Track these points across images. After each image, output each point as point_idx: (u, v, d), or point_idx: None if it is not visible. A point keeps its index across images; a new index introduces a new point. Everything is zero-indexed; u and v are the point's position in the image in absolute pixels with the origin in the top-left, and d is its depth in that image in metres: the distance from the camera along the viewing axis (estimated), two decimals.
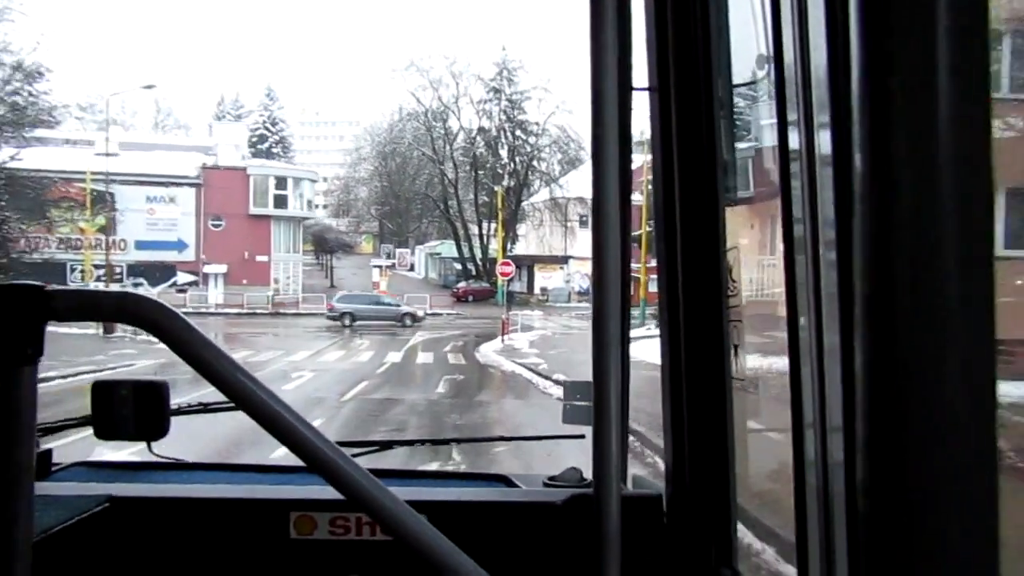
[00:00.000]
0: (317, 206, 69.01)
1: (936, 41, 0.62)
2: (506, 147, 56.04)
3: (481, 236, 56.90)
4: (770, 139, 1.07)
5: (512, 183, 54.89)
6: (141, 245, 45.66)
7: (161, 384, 1.60)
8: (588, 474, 1.58)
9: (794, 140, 0.89)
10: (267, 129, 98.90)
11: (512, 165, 55.72)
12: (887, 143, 0.63)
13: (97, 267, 43.75)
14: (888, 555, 0.65)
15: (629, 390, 1.66)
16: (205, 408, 2.01)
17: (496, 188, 52.72)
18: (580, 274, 48.31)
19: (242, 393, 0.82)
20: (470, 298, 52.07)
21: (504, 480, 1.92)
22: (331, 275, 57.39)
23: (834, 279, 0.74)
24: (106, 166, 39.87)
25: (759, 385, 1.55)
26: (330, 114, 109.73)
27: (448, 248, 59.99)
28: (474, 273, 56.46)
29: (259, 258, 47.74)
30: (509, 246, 50.48)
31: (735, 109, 1.46)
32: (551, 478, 1.81)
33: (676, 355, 1.50)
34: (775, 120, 0.98)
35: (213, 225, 47.26)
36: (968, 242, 0.62)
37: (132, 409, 1.57)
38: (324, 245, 60.44)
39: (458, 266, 58.04)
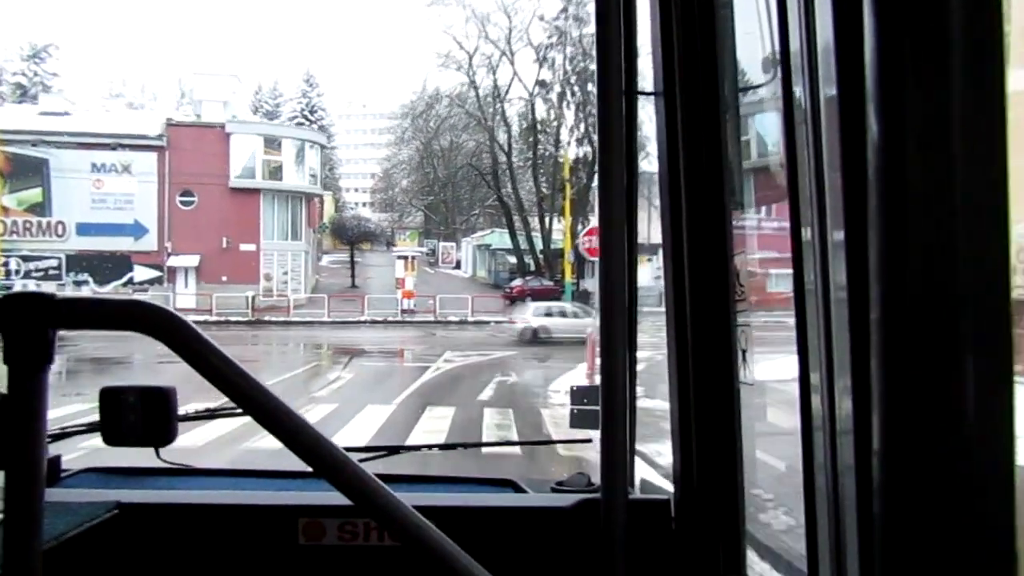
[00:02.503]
0: (364, 204, 58.97)
1: (949, 40, 0.62)
2: (573, 106, 42.85)
3: (542, 219, 43.67)
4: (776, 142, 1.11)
5: (581, 152, 41.56)
6: (85, 229, 34.08)
7: (169, 390, 1.54)
8: (596, 479, 1.59)
9: (801, 142, 0.89)
10: (305, 117, 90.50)
11: (582, 128, 42.29)
12: (899, 144, 0.64)
13: (27, 259, 32.12)
14: (902, 558, 0.66)
15: (636, 395, 1.63)
16: (213, 414, 2.03)
17: (560, 156, 39.79)
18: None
19: (251, 400, 0.83)
20: (528, 300, 39.00)
21: (512, 485, 1.88)
22: (353, 272, 45.12)
23: (843, 281, 0.74)
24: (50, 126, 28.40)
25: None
26: (379, 106, 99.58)
27: (499, 238, 47.18)
28: (532, 268, 43.33)
29: (244, 247, 35.57)
30: (580, 231, 36.87)
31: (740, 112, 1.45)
32: (559, 483, 1.79)
33: (684, 360, 1.49)
34: (782, 122, 0.98)
35: (182, 203, 35.38)
36: (983, 243, 0.63)
37: (140, 415, 1.51)
38: (343, 235, 48.13)
39: (512, 259, 45.02)
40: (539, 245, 43.59)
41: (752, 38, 1.28)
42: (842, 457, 0.78)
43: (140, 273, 34.77)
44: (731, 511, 1.44)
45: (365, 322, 32.11)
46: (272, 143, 36.52)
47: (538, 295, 39.42)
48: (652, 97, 1.48)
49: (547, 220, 43.63)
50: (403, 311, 34.32)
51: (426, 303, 34.01)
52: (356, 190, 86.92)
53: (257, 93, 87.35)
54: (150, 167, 34.55)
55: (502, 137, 43.79)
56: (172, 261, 34.88)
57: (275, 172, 36.54)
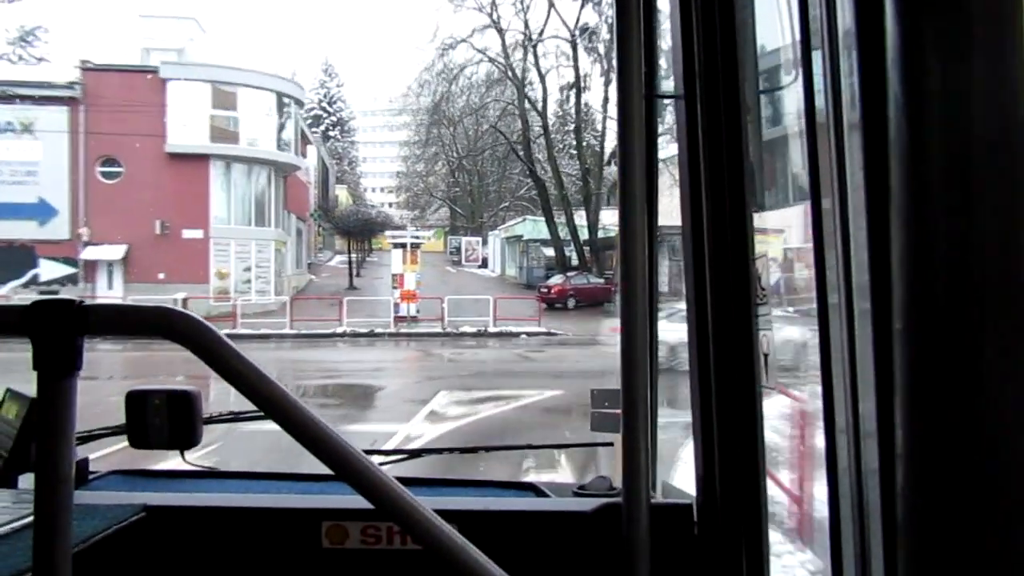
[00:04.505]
0: (390, 205, 57.04)
1: (972, 42, 0.62)
2: None
3: (587, 200, 33.82)
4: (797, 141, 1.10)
5: None
6: None
7: (194, 393, 1.62)
8: (617, 482, 1.62)
9: (823, 142, 0.89)
10: (323, 109, 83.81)
11: None
12: (921, 144, 0.64)
13: None
14: (927, 562, 0.65)
15: (657, 398, 1.69)
16: (236, 417, 2.03)
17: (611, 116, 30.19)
18: (766, 259, 24.30)
19: (276, 405, 0.84)
20: (570, 302, 29.20)
21: (533, 489, 1.90)
22: (351, 271, 35.90)
23: (866, 281, 0.74)
24: None
25: None
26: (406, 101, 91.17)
27: (533, 227, 37.51)
28: (576, 263, 33.64)
29: (187, 233, 26.42)
30: None
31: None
32: (581, 487, 1.81)
33: (705, 364, 1.49)
34: (803, 122, 0.98)
35: (104, 174, 26.38)
36: (1010, 240, 0.61)
37: (165, 418, 1.59)
38: (338, 225, 38.83)
39: (549, 252, 35.32)
40: (583, 235, 33.89)
41: (773, 39, 1.34)
42: (866, 460, 0.79)
43: (48, 269, 25.84)
44: (754, 515, 1.45)
45: (345, 335, 22.63)
46: (225, 94, 27.25)
47: (584, 296, 29.69)
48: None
49: (594, 201, 33.82)
50: (398, 318, 24.85)
51: (440, 308, 24.46)
52: (381, 190, 79.56)
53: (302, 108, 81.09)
54: (60, 126, 25.59)
55: (536, 96, 34.13)
56: (89, 253, 25.91)
57: (230, 132, 27.26)
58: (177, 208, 26.21)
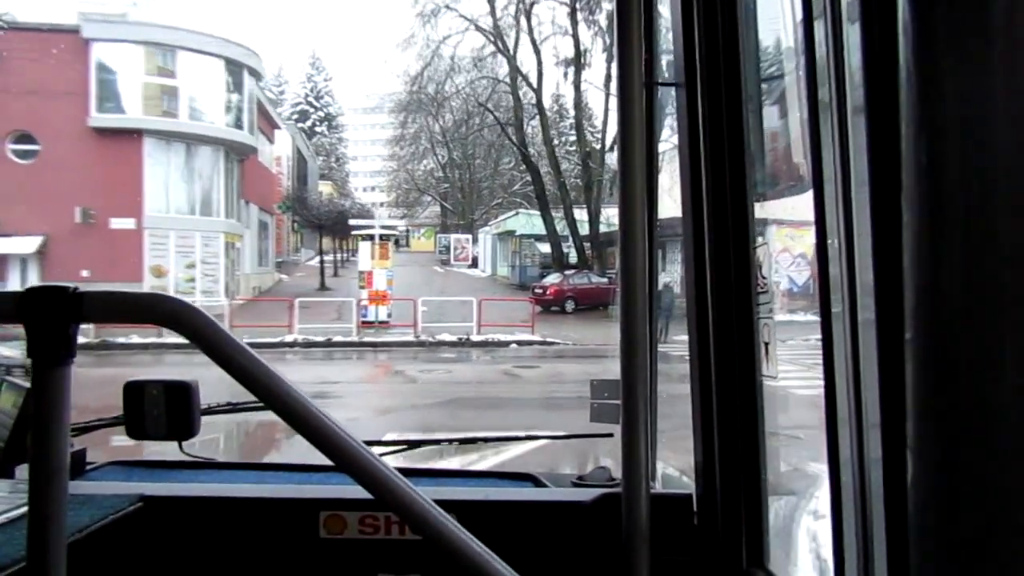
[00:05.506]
0: (381, 205, 54.56)
1: (986, 20, 0.58)
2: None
3: (588, 189, 29.80)
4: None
5: None
6: None
7: (191, 384, 1.60)
8: (617, 473, 1.60)
9: (827, 132, 0.88)
10: (310, 104, 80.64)
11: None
12: (933, 136, 0.61)
13: None
14: (933, 556, 0.64)
15: (657, 389, 1.65)
16: (234, 408, 2.03)
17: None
18: (793, 257, 20.11)
19: (273, 394, 0.84)
20: (568, 304, 25.19)
21: (532, 479, 1.86)
22: (324, 271, 31.98)
23: (870, 270, 0.74)
24: None
25: None
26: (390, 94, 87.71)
27: (526, 222, 33.55)
28: (575, 260, 29.72)
29: (116, 223, 22.33)
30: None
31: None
32: (579, 477, 1.79)
33: (705, 353, 1.47)
34: (806, 111, 0.97)
35: (16, 153, 22.26)
36: (1021, 234, 0.59)
37: (163, 409, 1.58)
38: (307, 217, 34.70)
39: (544, 248, 31.34)
40: (583, 229, 29.90)
41: (775, 26, 1.32)
42: (869, 452, 0.78)
43: None
44: (754, 505, 1.43)
45: (295, 345, 18.54)
46: (162, 58, 23.13)
47: (585, 297, 25.69)
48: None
49: (595, 189, 29.82)
50: (364, 324, 20.81)
51: (414, 312, 20.40)
52: (372, 189, 76.65)
53: (259, 81, 77.85)
54: None
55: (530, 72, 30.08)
56: None
57: (168, 105, 23.17)
58: (104, 193, 22.13)
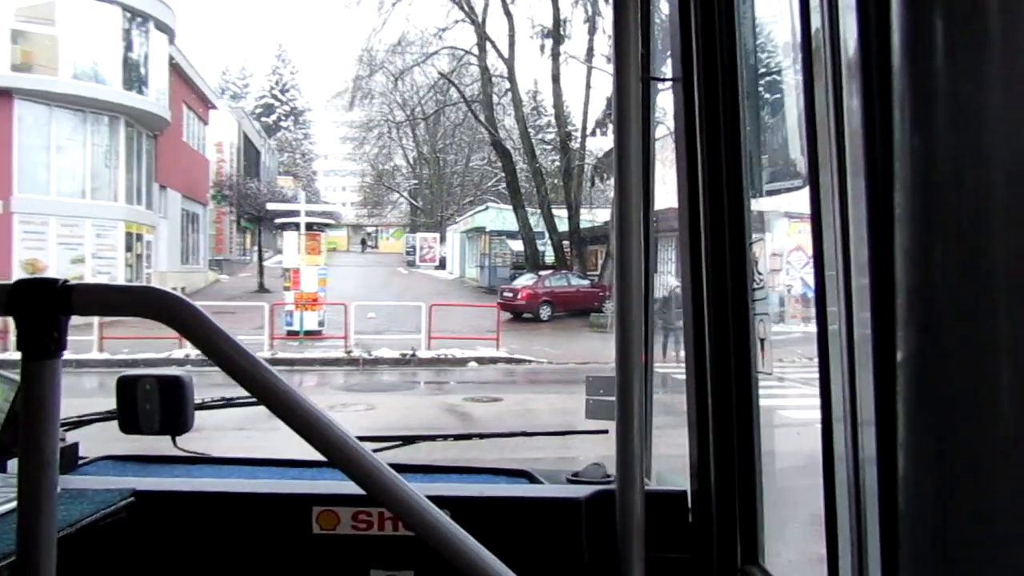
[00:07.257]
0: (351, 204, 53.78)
1: (984, 18, 0.60)
2: None
3: (567, 177, 25.64)
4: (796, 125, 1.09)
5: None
6: None
7: (185, 378, 1.61)
8: (612, 470, 1.60)
9: (823, 128, 0.89)
10: (275, 97, 76.71)
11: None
12: (928, 130, 0.62)
13: None
14: (927, 553, 0.65)
15: (652, 386, 1.66)
16: (228, 403, 2.03)
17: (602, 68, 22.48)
18: (808, 256, 16.03)
19: (265, 389, 0.84)
20: (543, 311, 21.00)
21: (526, 476, 1.88)
22: (263, 271, 27.78)
23: (865, 265, 0.75)
24: None
25: None
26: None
27: (496, 217, 29.43)
28: (552, 260, 25.66)
29: None
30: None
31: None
32: (574, 474, 1.78)
33: (700, 349, 1.48)
34: (803, 109, 0.97)
35: None
36: (1017, 228, 0.60)
37: (156, 404, 1.59)
38: (240, 207, 30.20)
39: (516, 245, 27.23)
40: (563, 226, 25.72)
41: (771, 22, 1.33)
42: (864, 448, 0.79)
43: None
44: (749, 502, 1.43)
45: (186, 362, 14.06)
46: (36, 3, 18.54)
47: (564, 303, 21.51)
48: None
49: (575, 178, 25.67)
50: (289, 335, 16.47)
51: (346, 321, 16.05)
52: (343, 189, 72.95)
53: (224, 74, 74.03)
54: None
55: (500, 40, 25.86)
56: None
57: (45, 60, 18.60)
58: None
